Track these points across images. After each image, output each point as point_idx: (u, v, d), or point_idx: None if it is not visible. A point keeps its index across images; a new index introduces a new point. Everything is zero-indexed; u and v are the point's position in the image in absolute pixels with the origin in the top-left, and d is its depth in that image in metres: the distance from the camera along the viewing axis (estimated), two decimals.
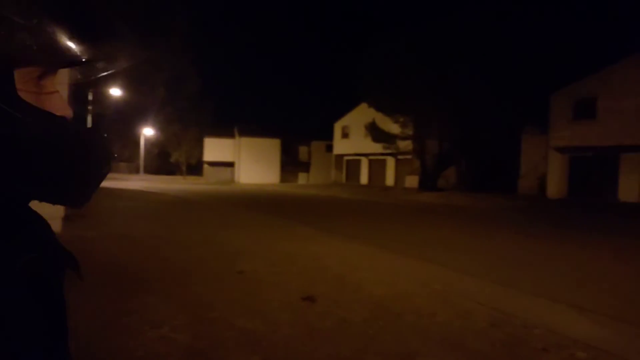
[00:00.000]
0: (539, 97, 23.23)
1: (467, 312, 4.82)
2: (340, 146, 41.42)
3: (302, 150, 46.10)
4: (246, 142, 43.99)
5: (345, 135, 40.84)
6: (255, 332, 3.96)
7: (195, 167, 48.48)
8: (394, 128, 29.00)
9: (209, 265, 6.71)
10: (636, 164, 20.35)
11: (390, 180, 36.16)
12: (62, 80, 0.66)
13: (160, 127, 42.35)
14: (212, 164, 46.55)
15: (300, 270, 6.43)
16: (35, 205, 0.54)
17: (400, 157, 33.01)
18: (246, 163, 44.05)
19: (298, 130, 45.09)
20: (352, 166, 41.11)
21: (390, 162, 36.00)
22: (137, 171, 48.39)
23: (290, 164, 45.06)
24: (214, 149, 46.15)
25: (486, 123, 23.99)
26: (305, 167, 46.12)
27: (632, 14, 27.96)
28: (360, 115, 36.93)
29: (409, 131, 28.09)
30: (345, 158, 41.83)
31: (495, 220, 15.05)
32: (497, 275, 6.72)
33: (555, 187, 23.17)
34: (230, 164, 46.17)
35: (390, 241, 9.66)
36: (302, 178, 45.67)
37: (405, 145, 28.70)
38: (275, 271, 6.33)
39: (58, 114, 0.51)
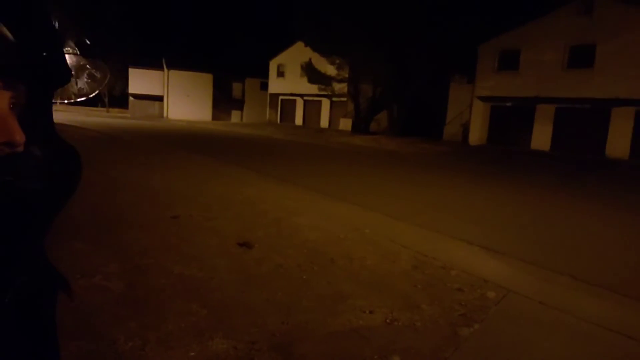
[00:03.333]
0: (469, 47, 23.97)
1: (394, 255, 5.20)
2: (276, 85, 40.53)
3: (236, 87, 44.57)
4: (175, 75, 41.63)
5: (280, 74, 39.90)
6: (192, 278, 4.03)
7: (119, 100, 45.41)
8: (330, 70, 28.76)
9: (140, 209, 6.55)
10: (549, 115, 22.04)
11: (324, 122, 36.35)
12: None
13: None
14: (138, 96, 43.82)
15: (236, 215, 6.50)
16: None
17: (335, 99, 33.08)
18: (176, 98, 41.98)
19: (232, 66, 43.25)
20: (287, 106, 40.65)
21: (325, 104, 36.02)
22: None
23: (224, 101, 43.58)
24: (140, 80, 43.28)
25: (418, 70, 24.49)
26: (239, 104, 44.87)
27: None
28: (296, 54, 36.06)
29: (345, 74, 28.03)
30: (281, 97, 41.17)
31: (422, 165, 15.86)
32: (422, 219, 7.22)
33: (477, 134, 24.60)
34: (159, 98, 43.76)
35: (324, 185, 9.92)
36: (235, 116, 44.54)
37: (340, 87, 28.71)
38: (211, 216, 6.34)
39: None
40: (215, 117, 43.43)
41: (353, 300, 3.84)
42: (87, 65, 0.60)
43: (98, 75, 0.61)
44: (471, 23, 22.32)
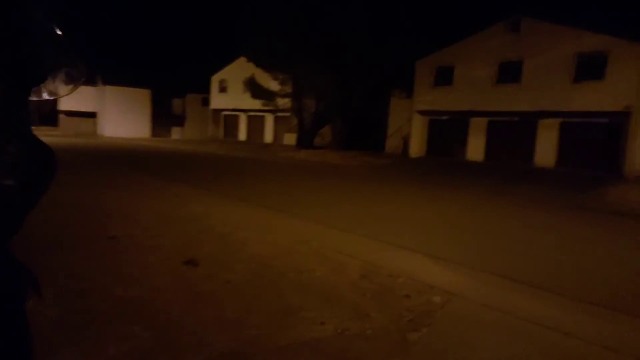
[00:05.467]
0: (407, 64, 24.97)
1: (342, 266, 5.24)
2: (218, 100, 39.98)
3: (177, 103, 43.48)
4: (112, 91, 39.97)
5: (223, 89, 39.43)
6: (134, 300, 3.84)
7: (49, 117, 42.86)
8: (273, 85, 28.82)
9: (75, 230, 6.17)
10: (482, 127, 23.31)
11: (268, 137, 36.24)
12: None
13: None
14: (70, 113, 41.61)
15: (180, 233, 6.28)
16: None
17: (279, 114, 33.14)
18: (111, 114, 40.25)
19: (172, 81, 42.20)
20: (230, 122, 40.16)
21: (269, 119, 35.97)
22: None
23: (163, 117, 42.33)
24: (72, 96, 41.09)
25: (360, 85, 25.14)
26: (180, 121, 43.76)
27: None
28: (239, 70, 35.86)
29: (288, 89, 28.18)
30: (223, 113, 40.63)
31: (365, 178, 16.19)
32: (368, 229, 7.34)
33: (416, 146, 25.53)
34: (92, 115, 41.77)
35: (270, 199, 9.85)
36: (175, 132, 43.37)
37: (284, 102, 28.82)
38: (152, 234, 6.09)
39: None
40: (154, 133, 42.05)
41: (304, 313, 3.81)
42: (65, 63, 0.59)
43: (75, 74, 0.61)
44: (409, 40, 23.29)
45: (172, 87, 42.14)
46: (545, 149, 20.92)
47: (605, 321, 4.14)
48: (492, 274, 5.33)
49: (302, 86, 27.42)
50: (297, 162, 21.43)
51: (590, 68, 18.82)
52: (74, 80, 0.63)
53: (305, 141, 28.96)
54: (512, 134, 22.25)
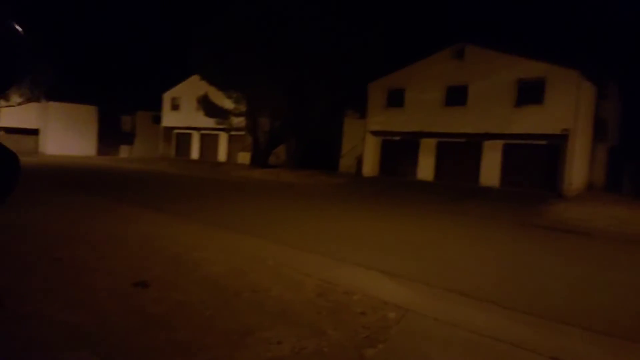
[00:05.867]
0: (361, 85, 25.62)
1: (298, 285, 5.22)
2: (170, 118, 39.13)
3: (125, 120, 42.13)
4: (55, 107, 38.20)
5: (175, 107, 38.68)
6: (80, 325, 3.65)
7: None
8: (227, 103, 28.61)
9: (16, 251, 5.80)
10: (432, 148, 24.17)
11: (222, 156, 35.77)
12: None
13: None
14: (10, 130, 39.29)
15: (129, 254, 6.05)
16: None
17: (233, 133, 32.84)
18: (55, 131, 38.38)
19: (121, 98, 40.92)
20: (183, 140, 39.35)
21: (223, 138, 35.57)
22: None
23: (111, 135, 40.84)
24: (12, 113, 38.92)
25: (314, 105, 25.47)
26: (129, 139, 42.36)
27: (439, 18, 32.62)
28: (192, 87, 35.38)
29: (243, 107, 28.06)
30: (175, 131, 39.77)
31: (320, 196, 16.29)
32: (323, 248, 7.37)
33: (369, 166, 26.03)
34: (34, 132, 39.67)
35: (224, 219, 9.70)
36: (124, 151, 41.89)
37: (238, 121, 28.62)
38: (100, 256, 5.83)
39: None
40: (101, 151, 40.44)
41: (260, 333, 3.76)
42: (30, 69, 0.58)
43: (42, 80, 0.60)
44: (362, 63, 23.92)
45: (121, 103, 40.85)
46: (490, 169, 21.93)
47: (550, 332, 4.36)
48: (444, 289, 5.49)
49: (257, 105, 27.41)
50: (251, 181, 21.26)
51: (530, 93, 20.06)
52: (40, 86, 0.62)
53: (259, 160, 28.81)
54: (459, 154, 23.20)
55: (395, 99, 24.80)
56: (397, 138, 25.44)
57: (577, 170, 19.81)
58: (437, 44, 23.45)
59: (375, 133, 25.90)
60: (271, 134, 28.74)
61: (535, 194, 18.79)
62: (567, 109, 18.90)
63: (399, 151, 25.48)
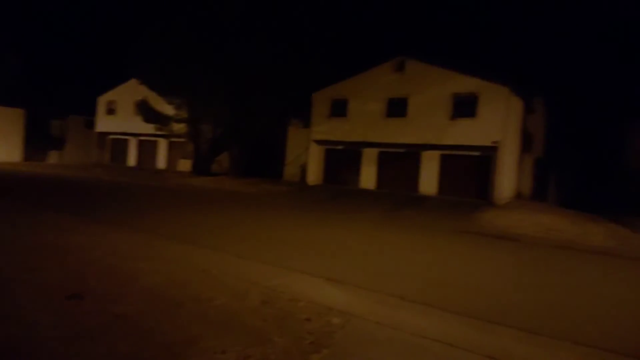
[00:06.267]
0: (305, 95, 25.86)
1: (243, 293, 5.17)
2: (105, 123, 37.30)
3: (56, 125, 39.64)
4: None
5: (111, 111, 36.95)
6: (10, 339, 3.40)
7: None
8: (167, 109, 27.75)
9: None
10: (374, 158, 24.80)
11: (161, 163, 34.57)
12: None
13: None
14: None
15: (62, 265, 5.71)
16: None
17: (173, 139, 31.86)
18: None
19: (51, 101, 38.49)
20: (119, 146, 37.61)
21: (163, 144, 34.41)
22: None
23: (39, 140, 38.25)
24: None
25: (258, 113, 25.35)
26: (59, 144, 39.88)
27: (385, 28, 33.63)
28: (129, 92, 34.00)
29: (184, 114, 27.33)
30: (111, 137, 37.96)
31: (263, 205, 16.19)
32: (269, 256, 7.34)
33: (313, 174, 26.25)
34: None
35: (164, 227, 9.39)
36: (53, 157, 39.38)
37: (179, 127, 27.82)
38: (30, 267, 5.45)
39: None
40: (27, 157, 37.76)
41: (204, 343, 3.69)
42: None
43: None
44: (304, 73, 24.15)
45: (51, 107, 38.44)
46: (428, 178, 22.84)
47: (485, 331, 4.61)
48: (386, 294, 5.65)
49: (199, 112, 26.82)
50: (193, 189, 20.72)
51: (464, 107, 21.18)
52: None
53: (201, 168, 28.15)
54: (400, 164, 23.98)
55: (339, 109, 25.26)
56: (340, 147, 25.87)
57: (507, 180, 21.11)
58: (379, 56, 24.21)
59: (319, 142, 26.19)
60: (214, 141, 28.21)
61: (470, 202, 19.78)
62: (498, 123, 20.13)
63: (342, 160, 25.91)
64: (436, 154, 22.61)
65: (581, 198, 24.42)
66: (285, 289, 5.47)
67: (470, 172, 21.78)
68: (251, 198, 18.47)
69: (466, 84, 21.15)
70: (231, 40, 23.16)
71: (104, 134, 38.06)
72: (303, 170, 27.09)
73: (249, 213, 13.58)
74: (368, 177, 24.80)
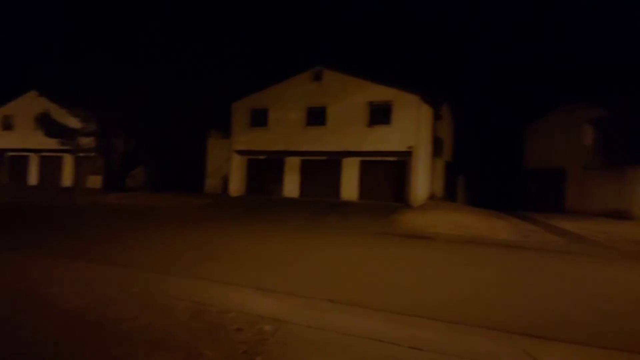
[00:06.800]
0: (224, 105, 25.49)
1: (168, 309, 5.00)
2: (1, 139, 33.89)
3: None
4: None
5: (7, 126, 33.63)
6: None
7: None
8: (73, 122, 25.88)
9: None
10: (296, 166, 25.05)
11: (68, 180, 32.05)
12: None
13: None
14: None
15: None
16: None
17: (81, 154, 29.72)
18: None
19: None
20: (17, 163, 34.30)
21: (69, 160, 31.94)
22: None
23: None
24: None
25: (175, 125, 24.53)
26: None
27: (300, 40, 34.19)
28: (28, 104, 31.25)
29: (92, 127, 25.65)
30: (9, 154, 34.53)
31: (183, 218, 15.67)
32: (193, 270, 7.14)
33: (236, 185, 25.88)
34: None
35: (77, 248, 8.75)
36: None
37: (87, 141, 26.05)
38: None
39: None
40: None
41: None
42: None
43: None
44: (225, 82, 23.84)
45: None
46: (349, 185, 23.53)
47: (407, 325, 4.88)
48: (315, 298, 5.77)
49: (110, 124, 25.33)
50: (105, 207, 19.48)
51: (380, 115, 22.19)
52: None
53: (114, 183, 26.55)
54: (322, 171, 24.45)
55: (260, 119, 25.25)
56: (262, 157, 25.80)
57: (421, 182, 22.37)
58: (298, 66, 24.61)
59: (241, 152, 25.93)
60: (126, 155, 26.78)
61: (388, 205, 20.67)
62: (411, 129, 21.32)
63: (265, 170, 25.85)
64: (356, 160, 23.37)
65: (487, 197, 26.56)
66: (214, 301, 5.38)
67: (388, 176, 22.78)
68: (171, 213, 17.80)
69: (381, 92, 22.18)
70: (143, 54, 22.25)
71: (0, 151, 34.56)
72: (225, 181, 26.62)
73: (169, 228, 13.07)
74: (291, 186, 24.97)
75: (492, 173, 29.45)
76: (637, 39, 42.90)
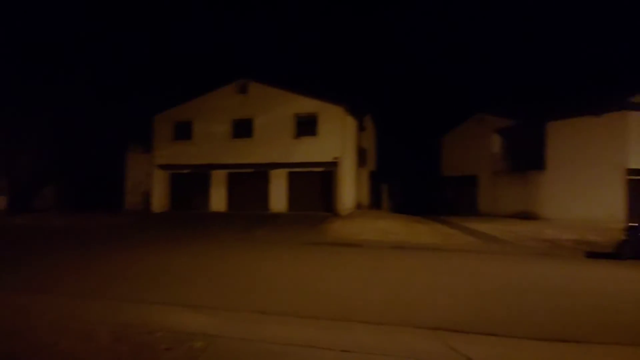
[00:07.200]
0: (145, 118, 24.47)
1: (89, 334, 4.72)
2: None
3: None
4: None
5: None
6: None
7: None
8: None
9: None
10: (223, 179, 24.59)
11: None
12: None
13: None
14: None
15: None
16: None
17: None
18: None
19: None
20: None
21: None
22: None
23: None
24: None
25: (89, 140, 23.13)
26: None
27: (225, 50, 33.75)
28: None
29: None
30: None
31: (103, 238, 14.78)
32: (116, 291, 6.78)
33: (159, 201, 24.85)
34: None
35: None
36: None
37: None
38: None
39: None
40: None
41: None
42: None
43: None
44: (146, 95, 22.95)
45: None
46: (278, 196, 23.54)
47: (339, 330, 5.00)
48: (247, 311, 5.72)
49: (14, 141, 23.30)
50: (10, 230, 17.80)
51: (306, 126, 22.53)
52: None
53: (20, 204, 24.38)
54: (249, 184, 24.23)
55: (184, 132, 24.56)
56: (187, 171, 25.05)
57: (348, 192, 22.96)
58: (222, 78, 24.35)
59: (164, 167, 24.98)
60: (35, 173, 24.74)
61: (317, 215, 20.95)
62: (337, 140, 21.87)
63: (190, 184, 25.09)
64: (284, 172, 23.45)
65: (410, 203, 27.85)
66: (140, 321, 5.15)
67: (316, 187, 23.10)
68: (87, 233, 16.69)
69: (306, 104, 22.55)
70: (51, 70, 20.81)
71: None
72: (147, 198, 25.46)
73: (86, 248, 12.25)
74: (218, 200, 24.46)
75: (414, 181, 30.98)
76: (539, 57, 47.65)
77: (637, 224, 11.31)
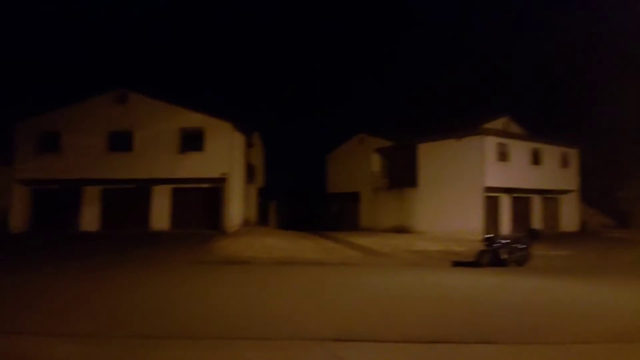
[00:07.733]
0: (4, 127, 21.63)
1: None
2: None
3: None
4: None
5: None
6: None
7: None
8: None
9: None
10: (96, 196, 22.62)
11: None
12: None
13: None
14: None
15: None
16: None
17: None
18: None
19: None
20: None
21: None
22: None
23: None
24: None
25: None
26: None
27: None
28: None
29: None
30: None
31: None
32: None
33: (18, 220, 22.05)
34: None
35: None
36: None
37: None
38: None
39: None
40: None
41: None
42: None
43: None
44: (6, 101, 20.36)
45: None
46: (160, 213, 22.35)
47: (224, 348, 4.97)
48: (124, 337, 5.38)
49: None
50: None
51: (192, 141, 21.86)
52: None
53: None
54: (128, 201, 22.64)
55: (50, 143, 22.23)
56: (54, 187, 22.61)
57: (235, 209, 22.72)
58: (97, 86, 22.65)
59: (26, 182, 22.26)
60: None
61: (203, 233, 20.34)
62: (224, 156, 21.61)
63: (57, 201, 22.66)
64: (167, 188, 22.42)
65: (296, 219, 28.43)
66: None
67: (201, 204, 22.47)
68: None
69: (192, 119, 21.97)
70: None
71: None
72: (3, 216, 22.40)
73: None
74: (91, 218, 22.43)
75: (301, 197, 31.76)
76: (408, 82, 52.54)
77: (493, 235, 13.11)
